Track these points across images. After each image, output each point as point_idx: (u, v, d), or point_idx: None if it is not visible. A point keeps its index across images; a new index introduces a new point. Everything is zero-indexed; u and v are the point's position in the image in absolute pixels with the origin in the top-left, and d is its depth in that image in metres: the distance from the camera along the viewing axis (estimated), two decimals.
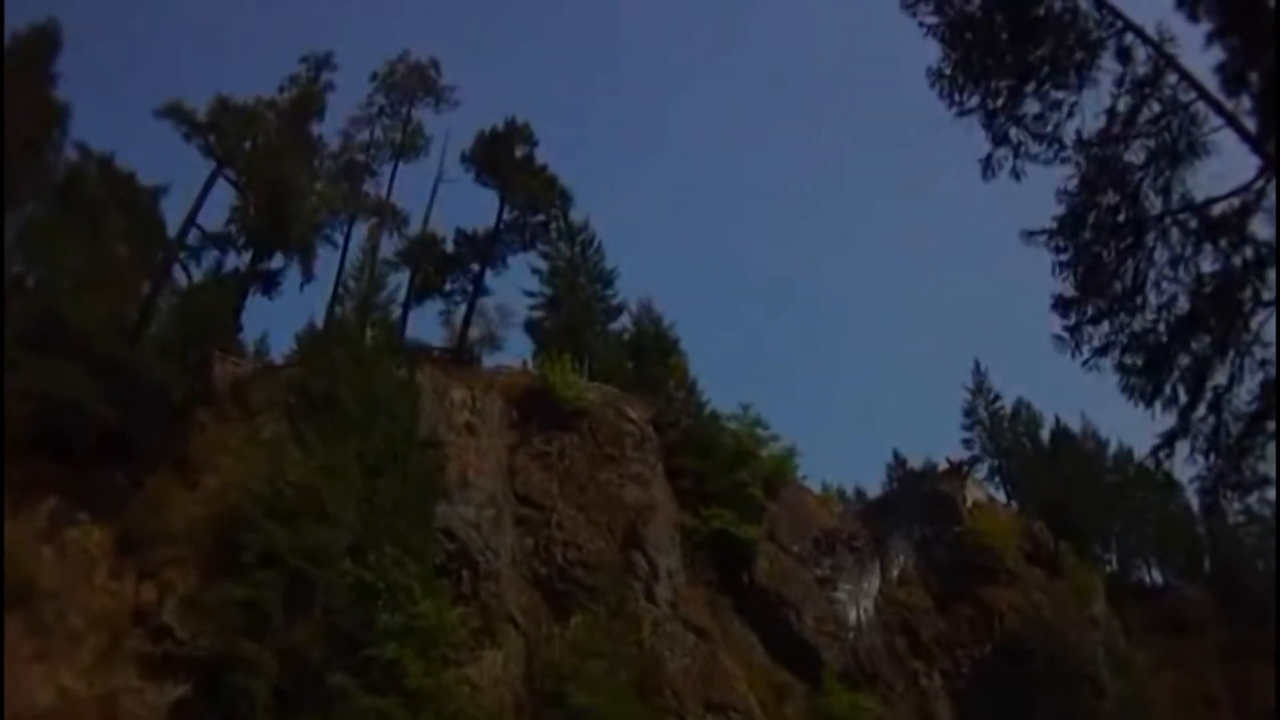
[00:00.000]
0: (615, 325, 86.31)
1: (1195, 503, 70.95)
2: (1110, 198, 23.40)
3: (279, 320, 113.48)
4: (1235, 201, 21.36)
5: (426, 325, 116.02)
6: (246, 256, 67.03)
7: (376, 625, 46.53)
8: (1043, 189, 23.92)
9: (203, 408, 54.13)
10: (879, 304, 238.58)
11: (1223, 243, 21.66)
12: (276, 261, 67.37)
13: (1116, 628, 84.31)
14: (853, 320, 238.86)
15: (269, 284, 67.47)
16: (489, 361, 77.25)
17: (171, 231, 61.30)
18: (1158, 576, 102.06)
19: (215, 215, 66.06)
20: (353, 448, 50.74)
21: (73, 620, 43.21)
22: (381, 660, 45.47)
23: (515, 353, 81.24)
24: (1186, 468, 22.98)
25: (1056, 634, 74.48)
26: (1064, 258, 23.73)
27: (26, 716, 39.05)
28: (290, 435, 50.67)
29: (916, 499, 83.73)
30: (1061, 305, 23.80)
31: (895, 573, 76.97)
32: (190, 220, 61.31)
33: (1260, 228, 21.25)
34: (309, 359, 57.02)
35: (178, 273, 62.85)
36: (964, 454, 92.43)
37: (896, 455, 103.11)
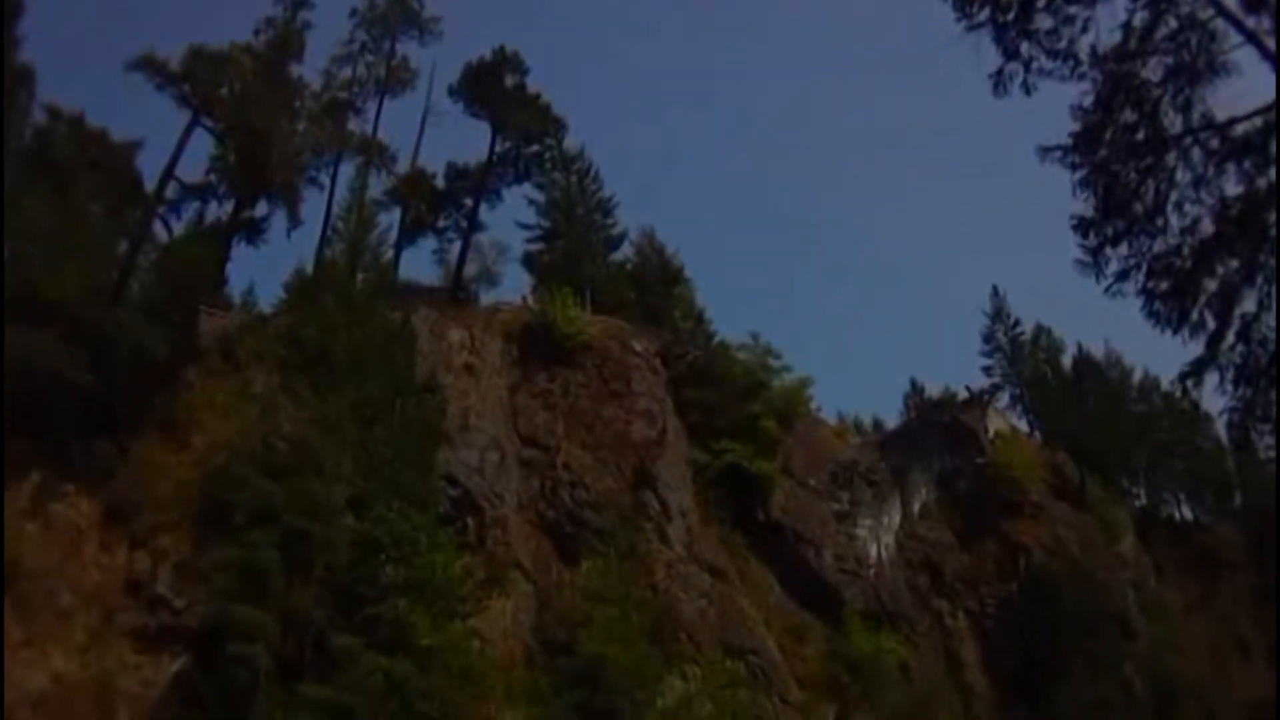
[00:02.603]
0: (617, 255, 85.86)
1: (1225, 436, 70.59)
2: (1128, 115, 23.21)
3: (266, 269, 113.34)
4: (1259, 122, 21.11)
5: (420, 265, 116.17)
6: (229, 206, 67.07)
7: (381, 581, 46.51)
8: (1062, 111, 23.78)
9: (189, 366, 53.76)
10: (894, 229, 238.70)
11: (1247, 164, 21.45)
12: (260, 209, 67.49)
13: (1146, 566, 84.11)
14: (866, 246, 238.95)
15: (253, 232, 67.44)
16: (486, 298, 77.03)
17: (149, 187, 60.82)
18: (1188, 513, 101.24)
19: (194, 167, 65.86)
20: (347, 397, 50.62)
21: (63, 599, 43.10)
22: (387, 618, 45.45)
23: (513, 288, 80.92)
24: (1215, 398, 22.92)
25: (1084, 572, 74.19)
26: (1081, 176, 23.61)
27: (18, 706, 38.86)
28: (281, 388, 50.61)
29: (936, 430, 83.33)
30: (1081, 226, 23.68)
31: (916, 507, 77.00)
32: (168, 173, 60.76)
33: None
34: (298, 307, 56.78)
35: (158, 228, 62.27)
36: (984, 382, 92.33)
37: (914, 384, 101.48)
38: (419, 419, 53.91)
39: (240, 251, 67.52)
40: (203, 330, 56.42)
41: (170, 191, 62.57)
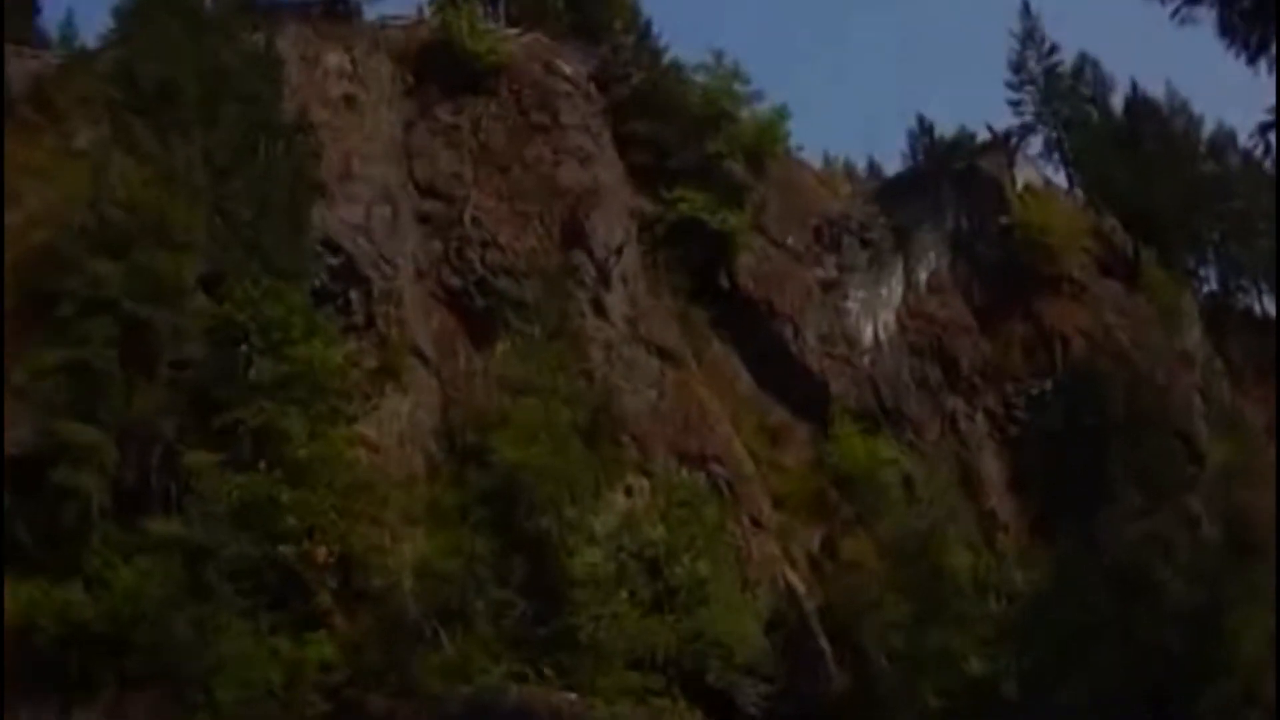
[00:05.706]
0: None
1: None
2: None
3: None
4: None
5: None
6: None
7: (244, 379, 47.13)
8: None
9: None
10: None
11: None
12: None
13: (1218, 370, 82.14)
14: None
15: None
16: (371, 13, 75.19)
17: None
18: (1270, 307, 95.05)
19: None
20: (197, 143, 50.15)
21: None
22: (252, 425, 46.18)
23: (406, 1, 79.32)
24: None
25: (1139, 372, 73.07)
26: None
27: None
28: (114, 139, 49.91)
29: (950, 180, 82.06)
30: None
31: (924, 276, 77.07)
32: None
33: None
34: (133, 37, 55.80)
35: None
36: (1011, 123, 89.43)
37: (921, 122, 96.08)
38: (288, 167, 54.01)
39: None
40: (12, 76, 56.05)
41: None
